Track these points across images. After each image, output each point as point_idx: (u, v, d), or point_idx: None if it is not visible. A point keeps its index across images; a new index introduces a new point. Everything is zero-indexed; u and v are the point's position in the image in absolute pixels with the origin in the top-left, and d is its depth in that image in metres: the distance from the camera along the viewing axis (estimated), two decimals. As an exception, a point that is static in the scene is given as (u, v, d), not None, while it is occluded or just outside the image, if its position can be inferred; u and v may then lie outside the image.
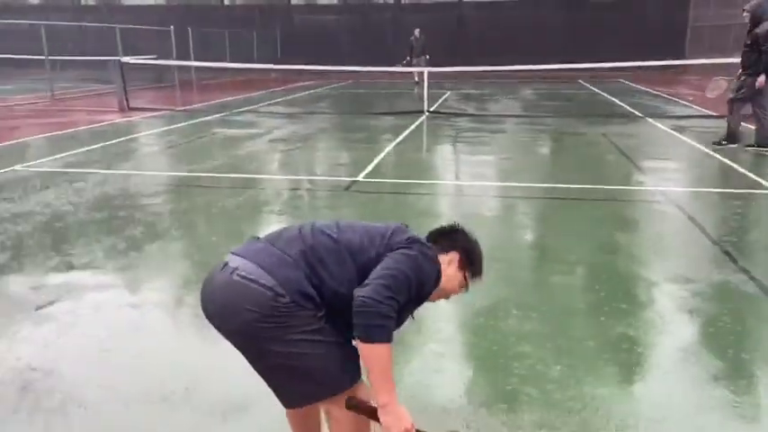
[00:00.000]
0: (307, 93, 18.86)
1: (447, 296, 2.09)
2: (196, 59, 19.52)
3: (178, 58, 19.38)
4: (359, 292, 1.71)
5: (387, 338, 1.69)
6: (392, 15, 30.24)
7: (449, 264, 2.03)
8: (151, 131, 11.07)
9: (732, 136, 8.84)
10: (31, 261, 4.49)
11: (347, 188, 6.69)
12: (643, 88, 18.75)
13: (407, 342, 3.20)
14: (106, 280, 4.17)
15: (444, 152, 9.46)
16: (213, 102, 15.71)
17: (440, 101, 15.48)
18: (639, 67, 17.96)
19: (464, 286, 2.09)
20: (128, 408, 2.69)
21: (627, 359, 3.10)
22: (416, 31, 20.02)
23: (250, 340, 1.79)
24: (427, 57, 19.43)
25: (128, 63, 14.75)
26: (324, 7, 34.15)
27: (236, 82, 22.22)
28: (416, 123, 11.67)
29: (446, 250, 2.06)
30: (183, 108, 14.47)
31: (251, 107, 14.60)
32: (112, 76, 14.38)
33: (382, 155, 8.63)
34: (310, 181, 7.20)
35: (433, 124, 11.74)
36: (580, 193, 6.46)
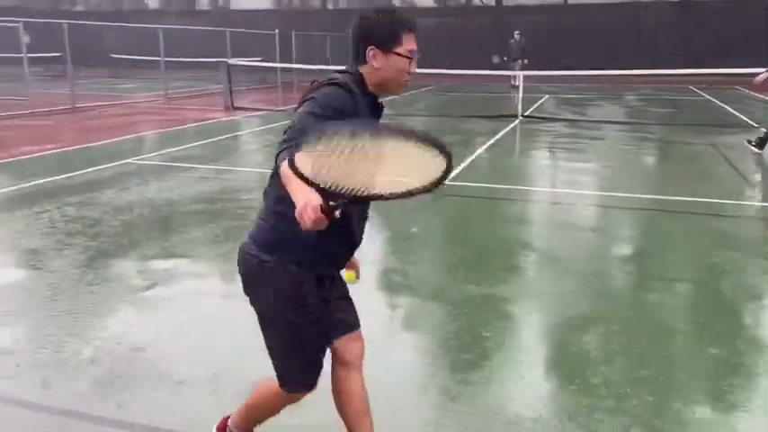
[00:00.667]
0: (404, 95, 19.01)
1: (404, 79, 2.08)
2: (298, 62, 20.21)
3: (282, 61, 20.17)
4: None
5: (284, 158, 1.66)
6: (493, 18, 29.85)
7: (374, 59, 2.00)
8: (251, 130, 11.61)
9: None
10: (138, 247, 4.85)
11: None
12: (762, 97, 17.41)
13: (493, 352, 3.19)
14: (202, 269, 4.44)
15: (538, 157, 9.26)
16: (311, 102, 16.19)
17: (536, 105, 15.14)
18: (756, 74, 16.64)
19: (408, 58, 2.02)
20: (213, 389, 2.86)
21: (722, 386, 2.92)
22: (516, 34, 19.67)
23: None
24: (525, 61, 19.02)
25: (234, 65, 15.54)
26: (423, 10, 34.31)
27: (334, 83, 22.78)
28: (510, 127, 11.49)
29: (363, 56, 2.02)
30: (282, 108, 15.05)
31: (347, 108, 14.92)
32: (220, 77, 15.21)
33: (472, 158, 8.57)
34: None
35: (527, 129, 11.51)
36: (684, 206, 6.11)
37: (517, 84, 14.53)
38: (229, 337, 3.34)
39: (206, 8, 41.93)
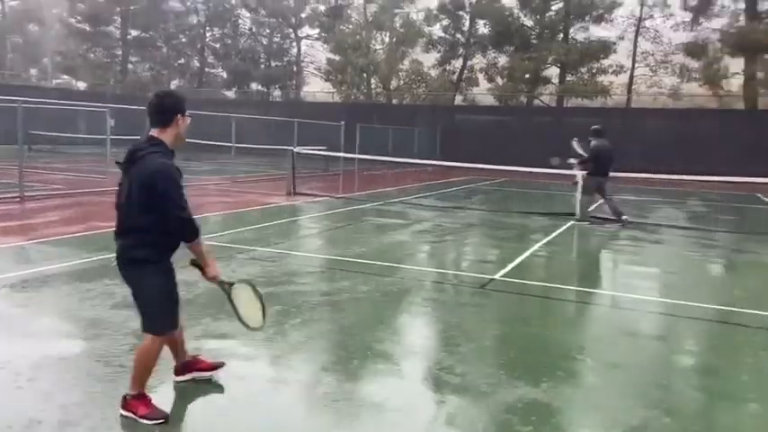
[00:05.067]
0: (460, 188, 19.29)
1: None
2: (361, 152, 20.95)
3: (346, 150, 20.95)
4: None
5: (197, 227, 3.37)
6: (554, 117, 30.33)
7: (179, 126, 3.38)
8: (310, 215, 11.95)
9: None
10: (190, 326, 4.96)
11: (483, 286, 6.65)
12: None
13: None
14: (249, 351, 4.48)
15: (594, 258, 9.08)
16: (370, 191, 16.65)
17: (595, 205, 14.99)
18: None
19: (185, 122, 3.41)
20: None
21: None
22: (574, 140, 19.95)
23: None
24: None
25: (299, 153, 16.25)
26: (485, 108, 35.29)
27: (395, 174, 23.40)
28: (566, 226, 11.39)
29: (169, 123, 3.32)
30: (342, 195, 15.49)
31: (405, 198, 15.25)
32: (285, 163, 15.90)
33: (525, 255, 8.49)
34: (447, 275, 7.26)
35: (584, 228, 11.37)
36: (753, 320, 5.80)
37: (578, 182, 14.52)
38: (270, 422, 3.31)
39: (279, 99, 44.54)
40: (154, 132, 3.30)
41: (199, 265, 3.51)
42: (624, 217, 11.60)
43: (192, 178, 18.24)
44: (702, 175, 15.81)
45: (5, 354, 4.15)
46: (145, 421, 3.27)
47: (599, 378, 4.32)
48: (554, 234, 10.46)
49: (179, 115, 3.33)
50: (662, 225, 12.32)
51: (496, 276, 7.07)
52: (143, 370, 3.37)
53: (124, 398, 3.36)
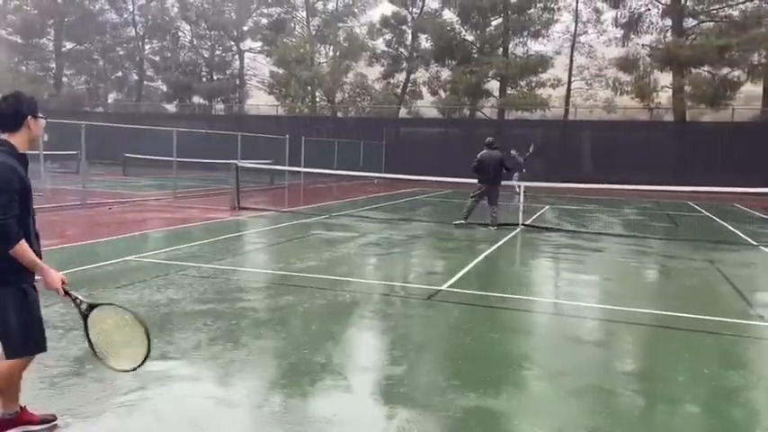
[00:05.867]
0: (406, 200, 19.43)
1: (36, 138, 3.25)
2: (306, 165, 20.85)
3: (291, 164, 20.80)
4: None
5: (18, 234, 3.00)
6: (496, 130, 30.96)
7: (31, 129, 3.19)
8: (255, 230, 11.78)
9: None
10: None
11: (430, 297, 6.70)
12: (759, 215, 17.70)
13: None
14: (194, 372, 4.35)
15: (537, 267, 9.29)
16: (316, 205, 16.56)
17: (536, 215, 15.40)
18: (756, 194, 17.11)
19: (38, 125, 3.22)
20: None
21: None
22: (513, 152, 20.68)
23: None
24: (524, 170, 19.64)
25: (243, 166, 16.02)
26: (429, 120, 35.78)
27: (341, 187, 23.38)
28: (510, 236, 11.63)
29: (19, 127, 3.15)
30: (287, 209, 15.34)
31: (351, 211, 15.23)
32: (229, 177, 15.64)
33: (471, 266, 8.61)
34: (394, 287, 7.28)
35: (527, 238, 11.64)
36: (685, 323, 6.05)
37: (518, 192, 14.94)
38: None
39: (222, 113, 43.86)
40: (3, 136, 3.14)
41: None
42: (460, 221, 12.80)
43: (132, 194, 17.71)
44: (636, 184, 16.49)
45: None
46: (43, 426, 3.31)
47: (544, 385, 4.40)
48: (499, 243, 10.66)
49: (29, 118, 3.18)
50: (601, 233, 12.74)
51: (443, 287, 7.13)
52: (13, 388, 3.28)
53: (5, 421, 3.27)
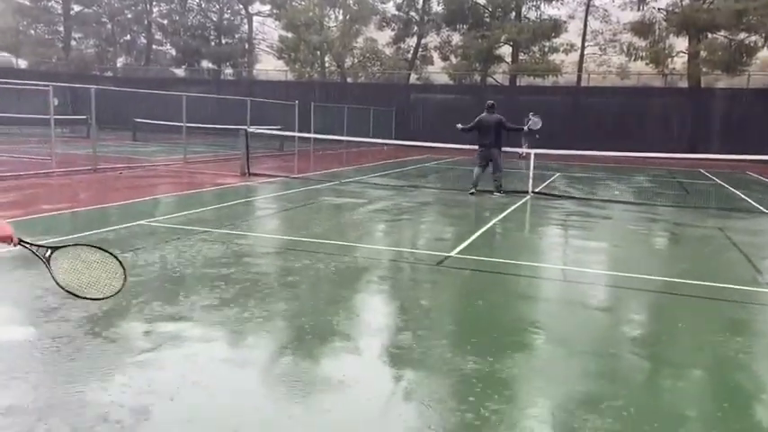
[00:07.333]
0: (415, 167, 19.38)
1: None
2: (316, 131, 20.80)
3: (300, 130, 20.74)
4: None
5: None
6: (506, 96, 30.60)
7: None
8: (265, 196, 11.83)
9: None
10: (144, 308, 4.89)
11: (439, 263, 6.74)
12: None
13: None
14: (206, 333, 4.44)
15: (546, 234, 9.30)
16: (326, 171, 16.56)
17: (546, 182, 15.33)
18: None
19: None
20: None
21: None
22: (531, 115, 20.45)
23: None
24: (537, 137, 19.53)
25: (253, 132, 15.99)
26: (439, 87, 35.40)
27: (350, 154, 23.32)
28: (519, 203, 11.61)
29: None
30: (297, 175, 15.36)
31: (360, 178, 15.23)
32: (239, 143, 15.64)
33: (480, 232, 8.64)
34: (403, 253, 7.33)
35: (536, 205, 11.62)
36: (692, 289, 6.06)
37: (526, 156, 14.86)
38: (228, 402, 3.31)
39: (231, 78, 43.59)
40: None
41: None
42: (472, 191, 12.56)
43: (142, 159, 17.77)
44: (648, 151, 16.33)
45: (-52, 343, 4.01)
46: None
47: (550, 349, 4.46)
48: (508, 210, 10.66)
49: None
50: (611, 201, 12.69)
51: (452, 253, 7.17)
52: None
53: None
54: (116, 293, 3.00)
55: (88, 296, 3.01)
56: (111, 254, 3.01)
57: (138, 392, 3.43)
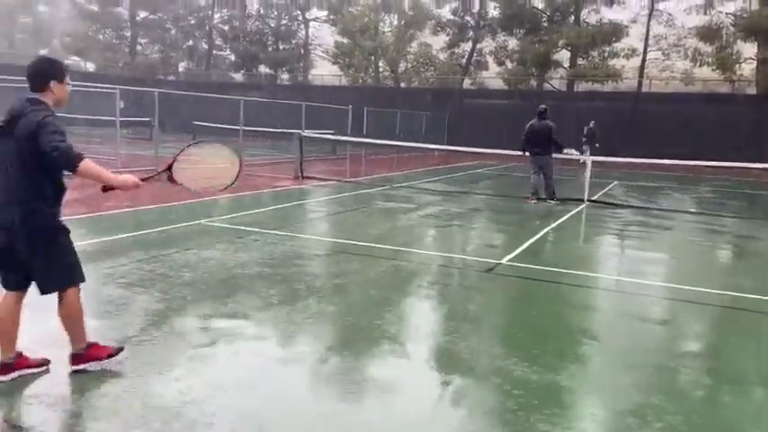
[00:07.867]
0: (467, 173, 19.25)
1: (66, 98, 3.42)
2: (369, 136, 20.94)
3: (353, 134, 20.94)
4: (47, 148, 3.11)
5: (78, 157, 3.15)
6: (564, 102, 30.04)
7: (54, 92, 3.34)
8: (317, 199, 11.99)
9: None
10: (201, 305, 5.04)
11: (489, 270, 6.67)
12: None
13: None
14: (258, 331, 4.55)
15: (601, 243, 9.08)
16: (378, 175, 16.65)
17: (604, 190, 14.97)
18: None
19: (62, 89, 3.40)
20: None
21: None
22: (592, 123, 20.16)
23: None
24: (596, 145, 19.11)
25: (307, 136, 16.25)
26: (494, 92, 35.04)
27: (402, 158, 23.37)
28: (574, 211, 11.37)
29: (44, 88, 3.31)
30: (349, 179, 15.50)
31: (412, 183, 15.25)
32: (293, 147, 15.92)
33: (533, 240, 8.50)
34: (453, 259, 7.29)
35: (592, 214, 11.36)
36: (755, 304, 5.81)
37: (581, 162, 14.53)
38: (277, 399, 3.38)
39: (287, 82, 44.42)
40: (35, 95, 3.33)
41: (111, 187, 3.38)
42: (533, 200, 12.08)
43: (201, 160, 18.28)
44: (713, 160, 15.71)
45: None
46: (112, 358, 3.69)
47: (605, 361, 4.35)
48: (563, 219, 10.45)
49: (53, 82, 3.34)
50: (671, 210, 12.28)
51: (503, 261, 7.09)
52: (81, 322, 3.61)
53: (76, 355, 3.60)
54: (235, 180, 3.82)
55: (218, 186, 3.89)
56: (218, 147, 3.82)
57: (191, 386, 3.54)
